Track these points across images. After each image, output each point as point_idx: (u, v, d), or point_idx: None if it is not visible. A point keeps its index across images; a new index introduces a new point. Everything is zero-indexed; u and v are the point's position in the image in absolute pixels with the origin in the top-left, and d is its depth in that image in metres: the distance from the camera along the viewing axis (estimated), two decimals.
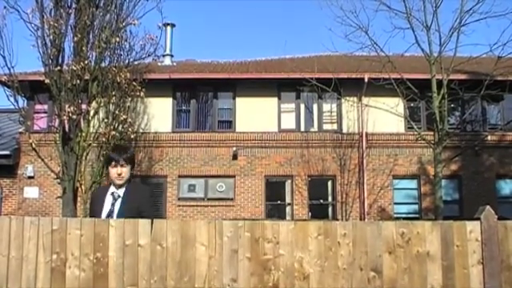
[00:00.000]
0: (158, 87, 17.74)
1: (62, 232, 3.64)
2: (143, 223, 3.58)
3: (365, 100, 17.80)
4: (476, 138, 17.78)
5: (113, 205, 4.43)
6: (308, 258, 3.48)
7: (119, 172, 4.46)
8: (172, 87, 19.11)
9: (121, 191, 4.49)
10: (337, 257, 3.49)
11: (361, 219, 17.98)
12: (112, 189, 4.52)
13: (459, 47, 14.36)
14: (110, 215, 4.35)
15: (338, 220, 17.39)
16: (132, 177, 4.64)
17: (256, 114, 18.70)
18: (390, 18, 14.96)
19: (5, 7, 13.11)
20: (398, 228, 3.52)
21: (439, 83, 14.14)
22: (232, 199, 18.48)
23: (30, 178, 18.44)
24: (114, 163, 4.49)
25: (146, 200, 4.54)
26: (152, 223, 3.58)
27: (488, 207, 3.60)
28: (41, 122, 17.87)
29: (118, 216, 4.32)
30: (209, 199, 18.58)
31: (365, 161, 18.50)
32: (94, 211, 4.52)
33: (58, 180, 13.73)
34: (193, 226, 3.54)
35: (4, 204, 18.41)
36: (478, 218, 3.56)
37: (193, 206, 18.39)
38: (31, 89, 14.67)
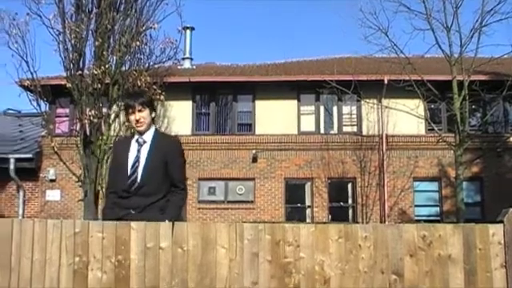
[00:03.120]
0: (177, 90, 17.83)
1: (84, 235, 3.66)
2: (164, 226, 3.59)
3: (385, 102, 17.72)
4: (498, 140, 17.61)
5: (139, 151, 4.23)
6: (329, 260, 3.47)
7: (137, 118, 4.23)
8: (192, 90, 19.20)
9: (146, 137, 4.28)
10: (358, 260, 3.47)
11: (381, 222, 17.90)
12: (136, 136, 4.32)
13: (480, 48, 14.32)
14: (136, 162, 4.19)
15: (358, 223, 17.32)
16: (154, 122, 4.42)
17: (275, 117, 18.71)
18: (409, 20, 14.91)
19: (27, 13, 13.32)
20: (419, 231, 3.49)
21: (460, 84, 14.05)
22: (252, 202, 18.50)
23: (52, 181, 18.64)
24: (130, 110, 4.26)
25: (176, 150, 4.36)
26: (173, 226, 3.59)
27: (511, 209, 3.56)
28: (62, 126, 18.07)
29: (146, 163, 4.17)
30: (229, 202, 18.62)
31: (385, 163, 18.40)
32: (118, 162, 4.32)
33: (80, 183, 13.87)
34: (213, 228, 3.55)
35: (27, 207, 18.63)
36: (501, 221, 3.52)
37: (213, 208, 18.44)
38: (53, 93, 14.82)
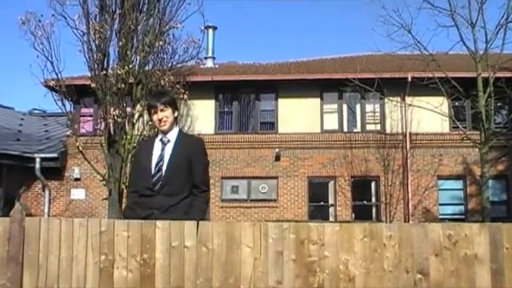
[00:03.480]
0: (200, 89, 17.90)
1: (110, 233, 3.70)
2: (189, 225, 3.61)
3: (408, 100, 17.59)
4: None
5: (163, 149, 4.25)
6: (353, 259, 3.46)
7: (160, 117, 4.26)
8: (214, 89, 19.26)
9: (170, 136, 4.31)
10: (382, 259, 3.46)
11: (405, 221, 17.78)
12: (160, 136, 4.34)
13: (506, 44, 14.13)
14: (160, 160, 4.20)
15: (381, 221, 17.23)
16: (176, 121, 4.44)
17: (298, 115, 18.67)
18: (433, 16, 14.79)
19: (52, 15, 13.49)
20: (444, 230, 3.46)
21: (485, 81, 13.90)
22: (275, 200, 18.50)
23: (77, 180, 18.84)
24: (153, 110, 4.31)
25: (199, 150, 4.36)
26: (198, 225, 3.60)
27: None
28: (87, 126, 18.26)
29: (170, 161, 4.17)
30: (251, 200, 18.64)
31: (409, 161, 18.26)
32: (140, 160, 4.36)
33: (104, 182, 13.99)
34: (238, 227, 3.56)
35: (52, 205, 18.86)
36: None
37: (236, 207, 18.48)
38: (77, 93, 14.98)
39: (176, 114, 4.40)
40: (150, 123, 14.13)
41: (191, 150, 4.27)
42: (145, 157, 4.29)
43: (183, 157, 4.21)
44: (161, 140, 4.31)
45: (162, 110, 4.27)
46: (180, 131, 4.43)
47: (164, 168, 4.18)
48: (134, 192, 4.31)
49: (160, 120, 4.27)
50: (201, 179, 4.28)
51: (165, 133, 4.31)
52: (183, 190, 4.18)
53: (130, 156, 13.57)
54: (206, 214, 4.22)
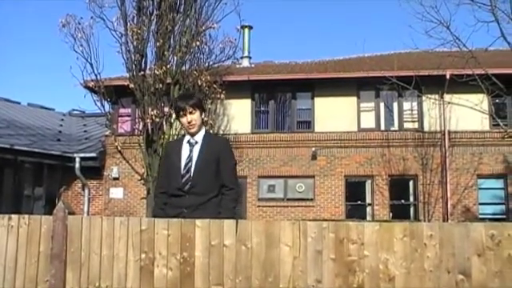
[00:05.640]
0: (237, 89, 17.93)
1: (151, 232, 3.76)
2: (228, 224, 3.63)
3: (447, 97, 17.28)
4: None
5: (191, 151, 4.34)
6: (393, 259, 3.43)
7: (189, 120, 4.36)
8: (251, 89, 19.28)
9: (198, 138, 4.39)
10: (423, 259, 3.42)
11: (444, 220, 17.53)
12: (187, 138, 4.44)
13: None
14: (189, 162, 4.29)
15: (420, 221, 17.02)
16: (204, 123, 4.54)
17: (335, 114, 18.57)
18: (472, 12, 14.51)
19: (91, 17, 13.72)
20: (487, 230, 3.40)
21: None
22: (312, 199, 18.43)
23: (115, 179, 19.08)
24: (181, 112, 4.39)
25: (226, 150, 4.43)
26: (237, 224, 3.62)
27: None
28: (125, 125, 18.49)
29: (197, 162, 4.26)
30: (288, 199, 18.61)
31: (448, 160, 17.99)
32: (170, 162, 4.42)
33: (142, 181, 14.15)
34: (277, 226, 3.57)
35: (91, 204, 19.17)
36: None
37: (272, 206, 18.47)
38: (116, 93, 15.18)
39: (203, 115, 4.51)
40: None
41: (218, 150, 4.34)
42: (174, 158, 4.39)
43: (211, 157, 4.28)
44: (188, 142, 4.40)
45: (190, 113, 4.36)
46: (206, 132, 4.52)
47: (192, 169, 4.27)
48: (164, 193, 4.43)
49: (189, 122, 4.36)
50: (228, 178, 4.33)
51: (192, 135, 4.40)
52: (212, 189, 4.25)
53: None
54: (234, 213, 4.26)
